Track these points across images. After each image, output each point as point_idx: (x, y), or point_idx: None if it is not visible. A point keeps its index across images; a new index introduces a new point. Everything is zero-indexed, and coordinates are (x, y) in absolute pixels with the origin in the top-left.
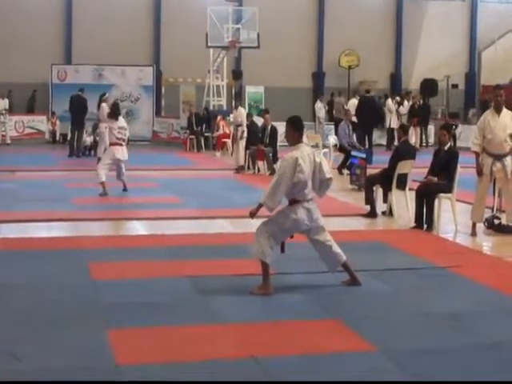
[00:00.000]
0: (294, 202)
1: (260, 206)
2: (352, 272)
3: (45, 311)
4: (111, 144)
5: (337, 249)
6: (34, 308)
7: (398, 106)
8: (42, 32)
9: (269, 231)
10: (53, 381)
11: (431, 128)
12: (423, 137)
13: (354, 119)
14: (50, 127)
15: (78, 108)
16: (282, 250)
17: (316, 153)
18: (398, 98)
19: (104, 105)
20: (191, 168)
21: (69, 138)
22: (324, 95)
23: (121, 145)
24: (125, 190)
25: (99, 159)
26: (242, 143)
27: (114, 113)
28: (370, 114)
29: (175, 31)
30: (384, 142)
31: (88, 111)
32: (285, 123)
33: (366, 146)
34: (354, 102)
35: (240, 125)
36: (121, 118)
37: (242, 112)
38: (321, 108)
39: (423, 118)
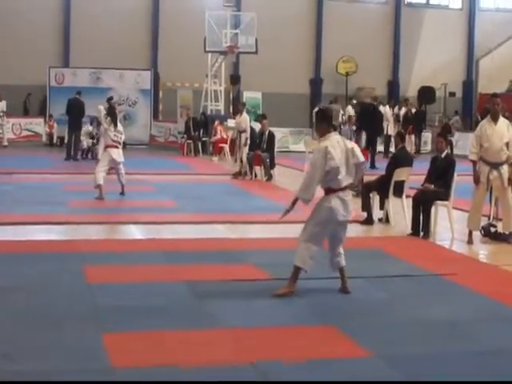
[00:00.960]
0: (328, 191)
1: (295, 200)
2: (345, 280)
3: (40, 313)
4: (107, 146)
5: (342, 251)
6: (30, 310)
7: (397, 113)
8: (40, 35)
9: (307, 236)
10: (47, 381)
11: (428, 135)
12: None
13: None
14: (47, 130)
15: (75, 111)
16: None
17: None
18: (397, 107)
19: (101, 107)
20: (188, 172)
21: (66, 141)
22: (322, 102)
23: (116, 147)
24: (122, 193)
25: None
26: (246, 149)
27: (113, 119)
28: (371, 122)
29: (173, 35)
30: (381, 148)
31: (85, 115)
32: (282, 129)
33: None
34: (349, 110)
35: (244, 131)
36: (117, 122)
37: (246, 118)
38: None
39: (418, 125)
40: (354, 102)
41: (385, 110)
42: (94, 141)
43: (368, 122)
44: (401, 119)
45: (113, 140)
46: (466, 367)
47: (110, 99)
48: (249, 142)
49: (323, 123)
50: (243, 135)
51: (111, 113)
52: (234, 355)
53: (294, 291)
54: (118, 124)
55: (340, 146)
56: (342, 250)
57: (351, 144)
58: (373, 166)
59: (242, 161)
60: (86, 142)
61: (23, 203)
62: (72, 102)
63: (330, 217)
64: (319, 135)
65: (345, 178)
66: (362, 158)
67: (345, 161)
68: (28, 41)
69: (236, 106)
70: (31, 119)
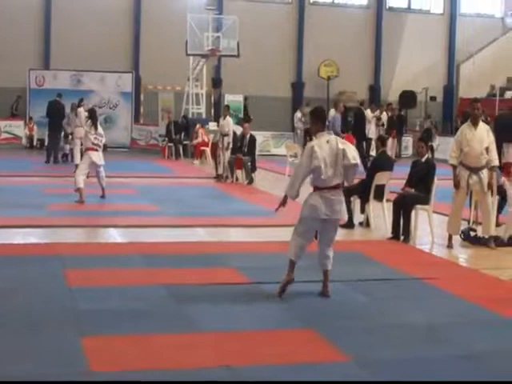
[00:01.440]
0: (314, 189)
1: (285, 196)
2: (327, 284)
3: (18, 317)
4: (87, 149)
5: (331, 255)
6: (8, 314)
7: (378, 116)
8: (21, 37)
9: (295, 231)
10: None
11: (409, 140)
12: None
13: None
14: (28, 132)
15: (55, 114)
16: (315, 237)
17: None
18: (377, 112)
19: (81, 109)
20: (169, 176)
21: (46, 143)
22: (303, 105)
23: (97, 150)
24: (102, 196)
25: (77, 166)
26: (228, 153)
27: (94, 122)
28: (359, 126)
29: (155, 38)
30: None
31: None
32: (263, 132)
33: None
34: (331, 113)
35: (226, 134)
36: (98, 125)
37: (230, 121)
38: (300, 118)
39: (398, 129)
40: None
41: (366, 113)
42: (69, 138)
43: (357, 126)
44: (384, 123)
45: (93, 143)
46: (445, 371)
47: (80, 102)
48: (231, 145)
49: (318, 122)
50: (226, 138)
51: (92, 116)
52: (213, 359)
53: (293, 278)
54: (99, 127)
55: (330, 146)
56: (331, 254)
57: (344, 145)
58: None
59: (223, 164)
60: (67, 145)
61: (2, 206)
62: (52, 105)
63: (311, 214)
64: (313, 134)
65: (331, 178)
66: (353, 161)
67: (333, 160)
68: (8, 43)
69: (223, 109)
70: (11, 121)
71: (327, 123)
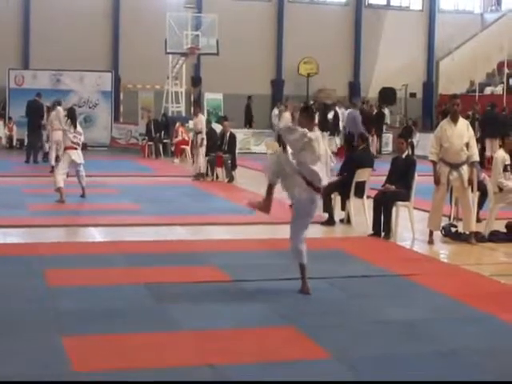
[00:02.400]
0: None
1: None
2: (305, 280)
3: None
4: (66, 148)
5: (303, 249)
6: None
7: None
8: None
9: (293, 229)
10: None
11: (389, 136)
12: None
13: None
14: (7, 132)
15: (34, 113)
16: None
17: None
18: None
19: (60, 108)
20: (150, 175)
21: (25, 143)
22: (282, 103)
23: (75, 148)
24: (82, 196)
25: (53, 167)
26: (203, 150)
27: (73, 121)
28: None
29: (134, 37)
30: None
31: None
32: (243, 130)
33: None
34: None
35: (200, 132)
36: (77, 124)
37: (202, 119)
38: (277, 115)
39: (378, 126)
40: (312, 102)
41: (341, 111)
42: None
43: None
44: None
45: (72, 142)
46: (425, 367)
47: (58, 102)
48: (205, 142)
49: (312, 120)
50: (199, 136)
51: (71, 114)
52: (194, 358)
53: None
54: (78, 125)
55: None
56: (304, 250)
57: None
58: None
59: (198, 162)
60: (47, 145)
61: None
62: (31, 104)
63: (299, 207)
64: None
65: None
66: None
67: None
68: None
69: (194, 107)
70: None
71: (341, 122)
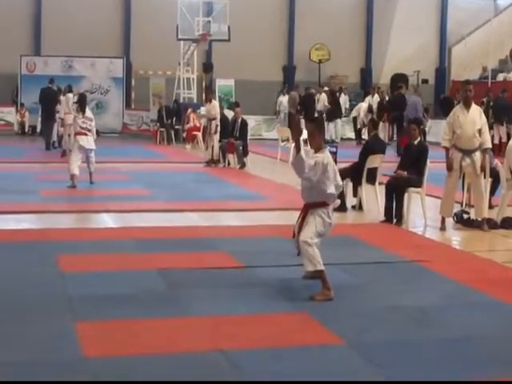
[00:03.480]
0: (324, 204)
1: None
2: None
3: (9, 303)
4: (75, 134)
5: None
6: (2, 299)
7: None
8: (11, 23)
9: (314, 244)
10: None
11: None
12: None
13: None
14: (19, 119)
15: (47, 100)
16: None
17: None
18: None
19: (70, 95)
20: (161, 161)
21: (39, 130)
22: (294, 89)
23: (85, 134)
24: (91, 182)
25: (64, 152)
26: (217, 137)
27: (82, 107)
28: None
29: (146, 23)
30: (353, 135)
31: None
32: (255, 117)
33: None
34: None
35: (214, 118)
36: (87, 110)
37: (216, 105)
38: (282, 102)
39: (389, 112)
40: (326, 89)
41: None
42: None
43: None
44: (374, 107)
45: (81, 127)
46: (437, 354)
47: (69, 88)
48: (219, 129)
49: (321, 133)
50: (213, 122)
51: (80, 100)
52: (206, 343)
53: (332, 296)
54: (88, 111)
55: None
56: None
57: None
58: None
59: (212, 148)
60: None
61: None
62: (44, 91)
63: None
64: (317, 147)
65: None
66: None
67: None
68: None
69: (206, 93)
70: (2, 108)
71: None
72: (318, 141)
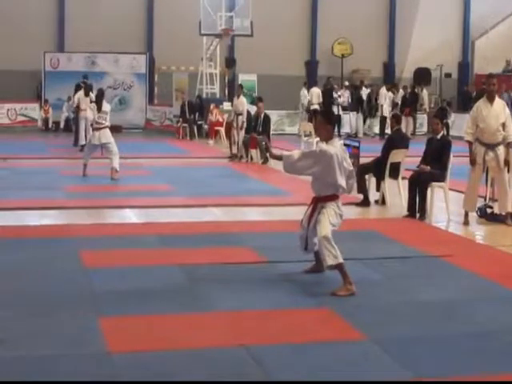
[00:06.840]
0: (336, 197)
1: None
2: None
3: (37, 298)
4: (93, 130)
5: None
6: (27, 295)
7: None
8: (35, 19)
9: (331, 239)
10: (43, 367)
11: (424, 117)
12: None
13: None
14: (43, 115)
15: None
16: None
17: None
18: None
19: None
20: (184, 156)
21: (62, 126)
22: (317, 84)
23: (98, 129)
24: (112, 179)
25: (82, 146)
26: (242, 133)
27: (98, 103)
28: None
29: (168, 19)
30: (377, 130)
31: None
32: (277, 111)
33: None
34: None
35: (240, 114)
36: (105, 103)
37: (243, 101)
38: (305, 96)
39: (412, 107)
40: (347, 84)
41: (380, 92)
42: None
43: None
44: (398, 101)
45: (97, 122)
46: (462, 349)
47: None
48: (245, 125)
49: (329, 125)
50: (240, 118)
51: (97, 96)
52: (229, 338)
53: (355, 290)
54: (105, 104)
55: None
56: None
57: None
58: None
59: (237, 144)
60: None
61: (18, 188)
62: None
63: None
64: (325, 138)
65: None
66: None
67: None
68: (22, 26)
69: (238, 89)
70: (26, 104)
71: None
72: (325, 132)
